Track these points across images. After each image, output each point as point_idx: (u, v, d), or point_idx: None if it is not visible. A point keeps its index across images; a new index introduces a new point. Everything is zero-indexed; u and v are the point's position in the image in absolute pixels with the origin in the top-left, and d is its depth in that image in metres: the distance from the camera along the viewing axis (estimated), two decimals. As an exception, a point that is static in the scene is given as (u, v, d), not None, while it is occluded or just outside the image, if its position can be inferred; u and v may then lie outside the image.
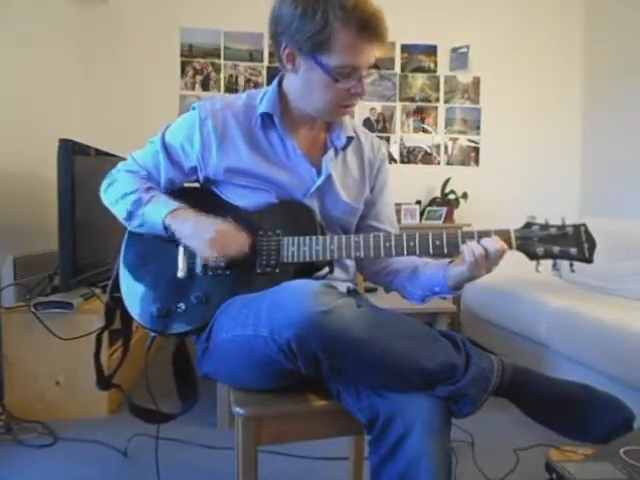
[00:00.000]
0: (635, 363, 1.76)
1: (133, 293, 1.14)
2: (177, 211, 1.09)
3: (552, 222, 1.01)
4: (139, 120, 3.17)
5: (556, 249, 0.99)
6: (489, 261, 0.98)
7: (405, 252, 1.04)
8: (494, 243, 0.98)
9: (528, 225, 1.02)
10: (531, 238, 1.00)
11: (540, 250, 0.99)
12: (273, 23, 1.07)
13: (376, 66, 1.07)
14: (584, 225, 1.00)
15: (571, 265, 1.00)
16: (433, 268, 1.13)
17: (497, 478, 1.56)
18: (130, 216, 1.14)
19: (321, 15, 0.98)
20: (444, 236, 1.02)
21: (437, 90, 3.59)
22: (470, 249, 0.98)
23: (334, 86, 1.05)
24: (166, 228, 1.09)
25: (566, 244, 0.99)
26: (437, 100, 3.60)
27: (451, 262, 1.08)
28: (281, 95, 1.16)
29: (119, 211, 1.16)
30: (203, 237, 1.04)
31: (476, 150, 3.65)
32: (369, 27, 1.00)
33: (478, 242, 0.99)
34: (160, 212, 1.09)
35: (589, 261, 0.99)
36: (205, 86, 3.37)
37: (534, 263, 1.01)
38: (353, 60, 1.02)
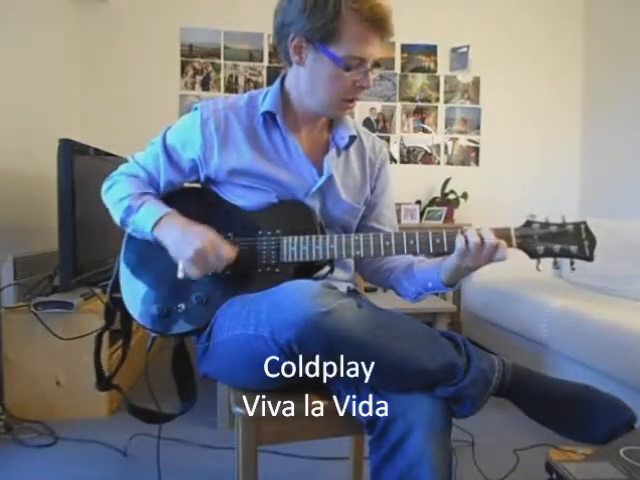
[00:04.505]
0: (635, 363, 1.76)
1: (133, 293, 1.14)
2: (164, 220, 1.08)
3: (552, 220, 1.01)
4: (139, 120, 3.17)
5: (556, 247, 0.99)
6: (483, 252, 0.97)
7: (405, 251, 1.04)
8: (491, 235, 0.97)
9: (528, 223, 1.01)
10: (531, 236, 1.00)
11: (540, 248, 0.99)
12: (280, 15, 1.07)
13: (379, 64, 1.07)
14: (584, 223, 1.00)
15: (572, 263, 1.00)
16: (428, 265, 1.13)
17: (497, 478, 1.56)
18: (123, 223, 1.15)
19: (333, 5, 0.99)
20: (444, 235, 1.02)
21: (437, 90, 3.59)
22: (463, 237, 0.97)
23: (341, 77, 1.05)
24: (154, 237, 1.09)
25: (566, 242, 0.99)
26: (437, 100, 3.60)
27: (445, 259, 1.07)
28: (283, 94, 1.16)
29: (115, 216, 1.16)
30: (185, 254, 1.03)
31: (476, 150, 3.65)
32: (379, 19, 1.02)
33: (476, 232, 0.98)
34: (148, 221, 1.09)
35: (589, 259, 0.98)
36: (205, 86, 3.37)
37: (534, 262, 1.01)
38: (361, 51, 1.03)
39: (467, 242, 0.97)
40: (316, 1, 1.00)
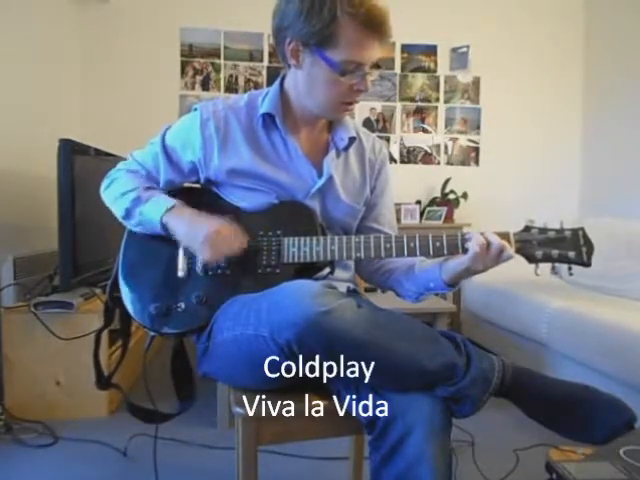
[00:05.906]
0: (635, 363, 1.76)
1: (133, 292, 1.14)
2: (174, 209, 1.09)
3: (551, 226, 1.01)
4: (139, 120, 3.17)
5: (555, 253, 0.99)
6: (490, 254, 0.98)
7: (405, 253, 1.04)
8: (496, 237, 0.98)
9: (527, 229, 1.02)
10: (530, 241, 1.00)
11: (539, 253, 1.00)
12: (277, 18, 1.06)
13: (378, 65, 1.07)
14: (582, 229, 1.01)
15: (569, 269, 1.00)
16: (429, 265, 1.13)
17: (497, 478, 1.56)
18: (128, 214, 1.14)
19: (328, 9, 0.98)
20: (444, 238, 1.02)
21: (437, 90, 3.59)
22: (477, 240, 0.98)
23: (338, 81, 1.04)
24: (164, 226, 1.09)
25: (564, 248, 0.99)
26: (437, 100, 3.60)
27: (447, 259, 1.07)
28: (283, 95, 1.16)
29: (117, 209, 1.16)
30: (198, 238, 1.04)
31: (476, 150, 3.64)
32: (376, 23, 1.00)
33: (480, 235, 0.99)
34: (158, 210, 1.09)
35: (587, 265, 0.99)
36: (205, 86, 3.37)
37: (533, 266, 1.01)
38: (358, 55, 1.02)
39: (481, 245, 0.97)
40: (312, 4, 0.99)
